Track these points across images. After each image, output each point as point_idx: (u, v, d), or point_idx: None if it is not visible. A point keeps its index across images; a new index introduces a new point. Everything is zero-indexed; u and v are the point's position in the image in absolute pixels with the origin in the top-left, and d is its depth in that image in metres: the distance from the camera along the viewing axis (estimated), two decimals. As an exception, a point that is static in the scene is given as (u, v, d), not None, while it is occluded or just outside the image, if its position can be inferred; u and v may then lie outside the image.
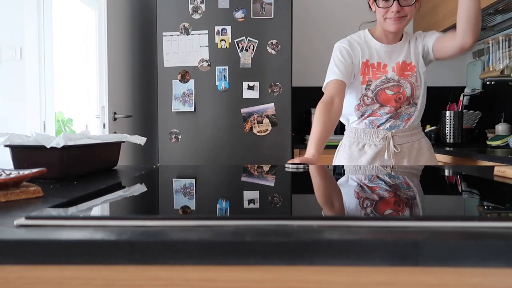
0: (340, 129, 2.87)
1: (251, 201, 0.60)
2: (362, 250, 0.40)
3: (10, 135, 0.79)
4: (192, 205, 0.58)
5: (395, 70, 1.50)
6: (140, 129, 2.89)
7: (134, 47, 2.82)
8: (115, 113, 2.48)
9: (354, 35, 1.57)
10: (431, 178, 0.89)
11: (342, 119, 1.61)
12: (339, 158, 1.61)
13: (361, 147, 1.54)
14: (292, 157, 2.34)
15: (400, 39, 1.54)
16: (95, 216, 0.49)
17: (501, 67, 2.27)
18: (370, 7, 1.53)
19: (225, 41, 2.38)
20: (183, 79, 2.42)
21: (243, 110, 2.38)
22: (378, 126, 1.53)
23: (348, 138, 1.59)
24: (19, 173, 0.63)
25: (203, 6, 2.38)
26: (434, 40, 1.48)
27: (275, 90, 2.37)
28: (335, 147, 2.45)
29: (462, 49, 1.41)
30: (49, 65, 2.83)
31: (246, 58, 2.38)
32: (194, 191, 0.71)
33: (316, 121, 1.37)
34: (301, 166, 1.02)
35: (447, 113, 2.51)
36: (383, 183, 0.82)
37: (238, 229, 0.43)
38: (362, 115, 1.54)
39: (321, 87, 1.50)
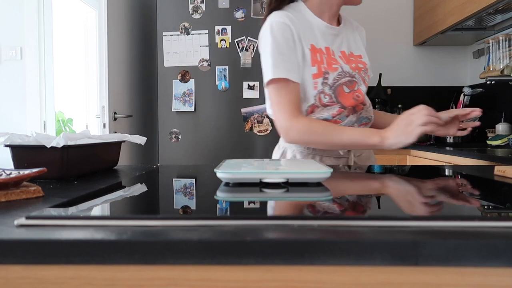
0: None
1: (251, 201, 0.60)
2: (362, 250, 0.40)
3: (10, 135, 0.79)
4: (192, 205, 0.58)
5: (343, 60, 1.13)
6: (140, 129, 2.89)
7: (134, 47, 2.82)
8: (115, 113, 2.48)
9: (287, 7, 1.14)
10: (431, 178, 0.89)
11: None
12: None
13: (318, 161, 1.13)
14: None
15: (339, 23, 1.21)
16: (95, 216, 0.49)
17: (501, 67, 2.27)
18: None
19: (225, 41, 2.38)
20: (183, 79, 2.42)
21: (243, 110, 2.38)
22: None
23: (295, 148, 1.15)
24: (19, 173, 0.63)
25: (203, 6, 2.38)
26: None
27: (275, 90, 2.37)
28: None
29: None
30: (49, 65, 2.83)
31: (246, 58, 2.37)
32: (194, 191, 0.71)
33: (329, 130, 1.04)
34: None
35: (447, 112, 2.51)
36: (382, 182, 0.82)
37: (238, 229, 0.43)
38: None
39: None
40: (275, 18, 1.08)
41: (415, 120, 0.95)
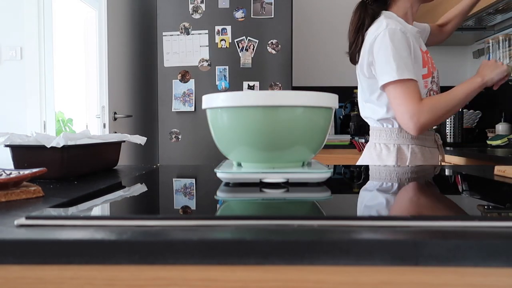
0: (341, 128, 2.87)
1: (251, 201, 0.60)
2: (362, 250, 0.40)
3: (10, 135, 0.79)
4: (192, 205, 0.58)
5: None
6: (140, 129, 2.89)
7: (134, 47, 2.82)
8: (115, 113, 2.48)
9: (394, 19, 1.24)
10: (431, 178, 0.89)
11: (384, 122, 1.28)
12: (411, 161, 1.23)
13: (429, 153, 1.28)
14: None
15: None
16: (95, 216, 0.49)
17: (501, 67, 2.26)
18: None
19: (225, 41, 2.38)
20: (183, 79, 2.42)
21: (243, 110, 2.38)
22: None
23: (405, 140, 1.25)
24: (19, 173, 0.63)
25: (203, 6, 2.38)
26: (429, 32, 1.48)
27: (275, 90, 2.37)
28: (335, 146, 2.42)
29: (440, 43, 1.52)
30: (49, 65, 2.83)
31: (246, 58, 2.38)
32: (194, 191, 0.71)
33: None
34: None
35: (447, 112, 2.50)
36: (382, 182, 0.82)
37: (238, 229, 0.43)
38: None
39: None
40: (391, 26, 1.18)
41: (497, 62, 1.22)
